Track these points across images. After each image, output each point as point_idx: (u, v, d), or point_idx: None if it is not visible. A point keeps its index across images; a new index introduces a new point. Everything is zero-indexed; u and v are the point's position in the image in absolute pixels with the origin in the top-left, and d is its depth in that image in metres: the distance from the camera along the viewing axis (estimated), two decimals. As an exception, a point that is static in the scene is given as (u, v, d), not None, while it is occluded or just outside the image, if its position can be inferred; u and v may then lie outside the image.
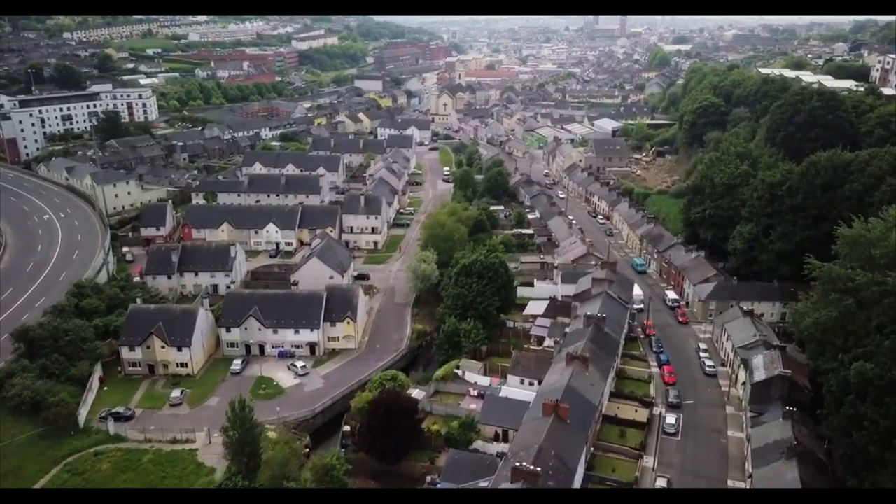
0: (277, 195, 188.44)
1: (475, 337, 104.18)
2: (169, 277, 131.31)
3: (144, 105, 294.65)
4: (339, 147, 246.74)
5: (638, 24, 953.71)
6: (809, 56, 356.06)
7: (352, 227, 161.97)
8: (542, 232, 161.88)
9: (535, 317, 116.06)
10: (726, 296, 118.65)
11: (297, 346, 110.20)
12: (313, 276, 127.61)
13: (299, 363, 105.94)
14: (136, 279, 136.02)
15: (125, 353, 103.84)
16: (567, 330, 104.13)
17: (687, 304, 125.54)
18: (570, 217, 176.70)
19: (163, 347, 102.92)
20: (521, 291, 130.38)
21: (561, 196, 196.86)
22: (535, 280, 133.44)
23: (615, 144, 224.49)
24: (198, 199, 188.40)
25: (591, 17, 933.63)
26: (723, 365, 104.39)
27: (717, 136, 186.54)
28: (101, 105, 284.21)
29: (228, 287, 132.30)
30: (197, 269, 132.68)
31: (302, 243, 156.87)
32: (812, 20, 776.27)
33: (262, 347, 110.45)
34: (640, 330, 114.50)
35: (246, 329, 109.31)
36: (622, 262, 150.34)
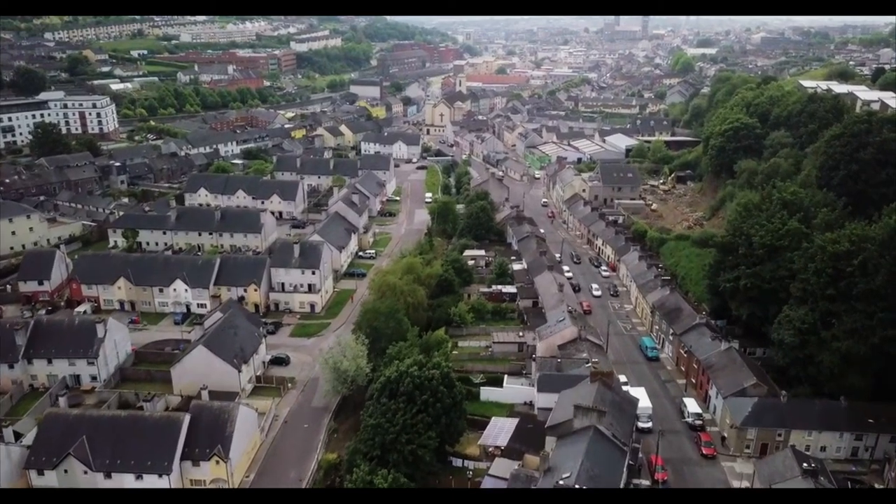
0: (210, 234, 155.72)
1: (393, 500, 69.00)
2: (11, 367, 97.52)
3: (99, 115, 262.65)
4: (305, 167, 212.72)
5: (661, 25, 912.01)
6: (851, 63, 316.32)
7: (283, 284, 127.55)
8: (528, 292, 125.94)
9: (494, 449, 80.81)
10: (771, 420, 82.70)
11: (142, 497, 75.86)
12: (200, 372, 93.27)
13: (131, 533, 71.43)
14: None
15: None
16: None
17: (723, 439, 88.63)
18: (566, 268, 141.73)
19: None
20: (486, 393, 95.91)
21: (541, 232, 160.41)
22: (506, 378, 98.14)
23: (626, 171, 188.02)
24: (115, 238, 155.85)
25: (611, 18, 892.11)
26: (770, 553, 68.42)
27: (752, 166, 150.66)
28: (49, 115, 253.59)
29: (93, 379, 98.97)
30: (51, 354, 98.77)
31: (220, 303, 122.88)
32: (845, 22, 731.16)
33: (90, 497, 76.25)
34: (645, 481, 78.77)
35: (66, 472, 75.18)
36: (628, 341, 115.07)
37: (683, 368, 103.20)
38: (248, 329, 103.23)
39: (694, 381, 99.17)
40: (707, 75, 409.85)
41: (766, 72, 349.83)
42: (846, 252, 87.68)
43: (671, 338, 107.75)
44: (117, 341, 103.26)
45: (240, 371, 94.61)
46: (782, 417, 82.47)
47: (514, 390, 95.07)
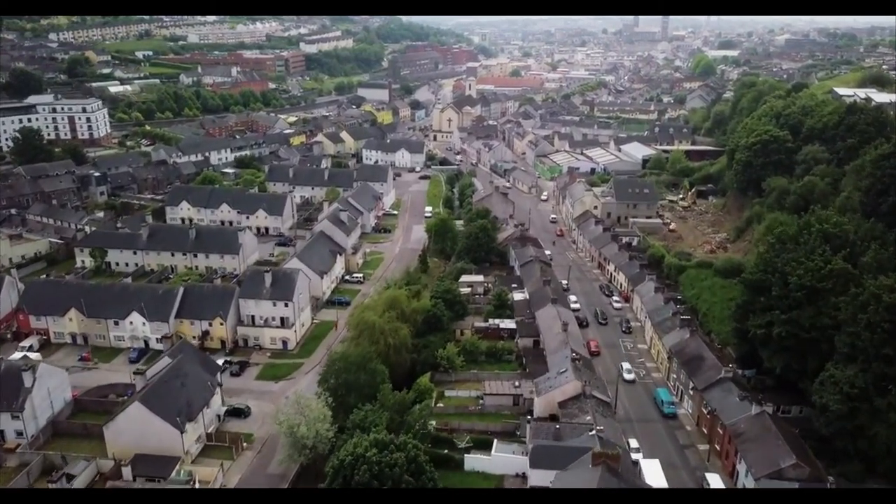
0: (184, 254, 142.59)
1: None
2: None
3: (90, 120, 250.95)
4: (299, 178, 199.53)
5: (681, 26, 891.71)
6: (884, 67, 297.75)
7: (253, 318, 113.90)
8: (528, 328, 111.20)
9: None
10: (816, 514, 67.33)
11: None
12: (137, 432, 79.91)
13: None
14: None
15: None
16: None
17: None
18: (572, 298, 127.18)
19: None
20: (471, 462, 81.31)
21: (546, 255, 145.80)
22: (496, 443, 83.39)
23: (643, 187, 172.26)
24: (82, 258, 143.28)
25: (630, 19, 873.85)
26: None
27: (782, 184, 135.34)
28: (37, 120, 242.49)
29: (19, 435, 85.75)
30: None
31: (179, 338, 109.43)
32: (872, 23, 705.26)
33: None
34: None
35: (-52, 572, 61.91)
36: (640, 392, 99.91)
37: (706, 431, 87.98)
38: (199, 378, 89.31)
39: (718, 448, 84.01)
40: (729, 79, 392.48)
41: (791, 75, 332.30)
42: (907, 304, 72.35)
43: (691, 391, 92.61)
44: (51, 389, 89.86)
45: (183, 431, 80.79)
46: (829, 510, 67.14)
47: (504, 459, 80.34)
